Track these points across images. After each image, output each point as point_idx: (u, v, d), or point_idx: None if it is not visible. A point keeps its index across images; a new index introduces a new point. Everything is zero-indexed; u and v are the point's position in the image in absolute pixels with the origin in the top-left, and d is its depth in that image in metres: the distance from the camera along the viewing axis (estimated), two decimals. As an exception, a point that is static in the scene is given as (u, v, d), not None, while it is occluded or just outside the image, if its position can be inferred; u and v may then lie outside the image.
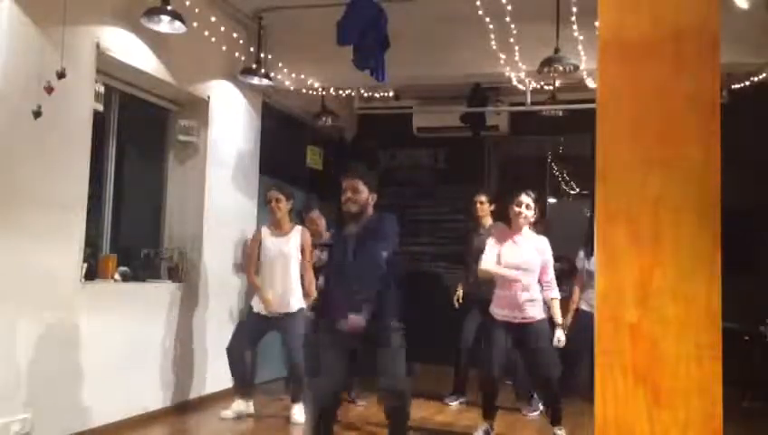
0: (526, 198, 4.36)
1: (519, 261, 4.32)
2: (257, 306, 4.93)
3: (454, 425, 4.87)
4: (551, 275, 4.41)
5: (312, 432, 3.64)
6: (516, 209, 4.36)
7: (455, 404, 5.52)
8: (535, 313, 4.32)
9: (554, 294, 4.40)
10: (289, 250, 4.92)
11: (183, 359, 5.08)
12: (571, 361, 5.51)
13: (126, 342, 4.48)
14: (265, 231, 5.04)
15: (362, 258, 3.52)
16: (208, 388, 5.33)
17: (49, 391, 3.83)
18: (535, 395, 5.25)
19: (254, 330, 4.95)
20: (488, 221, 5.46)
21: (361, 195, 3.60)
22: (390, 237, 3.60)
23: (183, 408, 5.00)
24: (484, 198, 5.52)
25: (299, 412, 4.86)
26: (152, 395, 4.77)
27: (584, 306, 5.51)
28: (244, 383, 4.96)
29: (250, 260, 5.05)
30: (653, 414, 1.46)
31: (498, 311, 4.38)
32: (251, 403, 4.98)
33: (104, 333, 4.26)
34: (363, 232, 3.59)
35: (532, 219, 4.42)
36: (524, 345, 4.38)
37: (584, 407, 5.44)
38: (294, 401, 4.92)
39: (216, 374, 5.41)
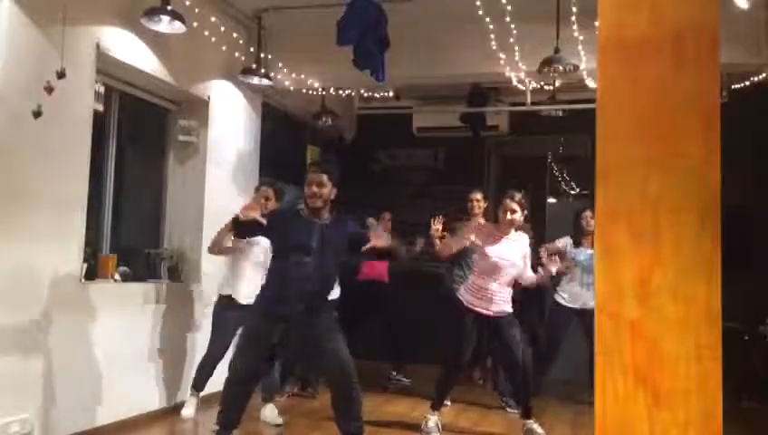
0: (512, 204, 4.40)
1: (507, 258, 4.40)
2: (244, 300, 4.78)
3: (454, 425, 4.86)
4: (529, 269, 4.56)
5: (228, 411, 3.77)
6: (502, 216, 4.44)
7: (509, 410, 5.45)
8: (507, 308, 4.45)
9: (531, 273, 4.59)
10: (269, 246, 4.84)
11: (183, 359, 5.07)
12: (542, 355, 5.56)
13: (126, 342, 4.48)
14: None
15: (323, 259, 3.65)
16: (208, 388, 5.32)
17: (49, 390, 3.83)
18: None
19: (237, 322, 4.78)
20: (481, 219, 5.47)
21: (325, 190, 3.67)
22: (346, 244, 3.76)
23: (183, 408, 4.99)
24: (479, 196, 5.54)
25: (273, 414, 4.79)
26: (152, 395, 4.77)
27: (560, 299, 5.56)
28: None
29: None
30: (653, 414, 1.46)
31: (471, 300, 4.44)
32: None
33: (104, 333, 4.25)
34: (327, 231, 3.67)
35: (521, 221, 4.48)
36: (495, 334, 4.47)
37: (584, 407, 5.48)
38: (266, 400, 4.84)
39: (215, 374, 5.40)
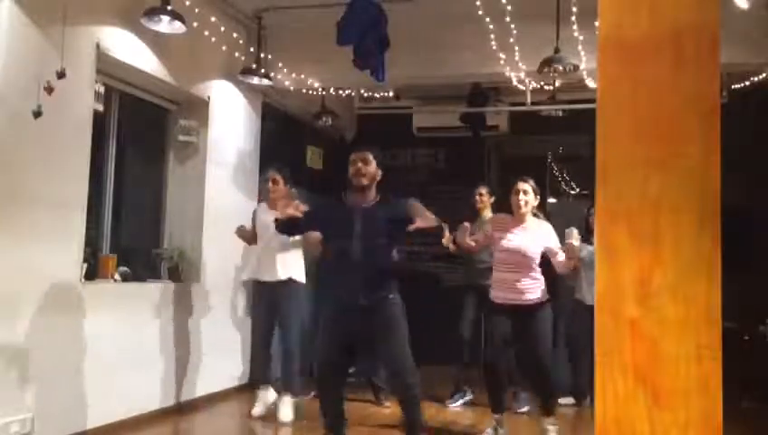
0: (524, 185, 4.29)
1: (517, 245, 4.25)
2: (249, 274, 4.92)
3: (456, 423, 4.86)
4: (560, 256, 4.26)
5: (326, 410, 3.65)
6: (515, 198, 4.30)
7: (458, 405, 5.46)
8: (534, 295, 4.26)
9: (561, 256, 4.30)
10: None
11: (183, 359, 5.08)
12: (571, 356, 5.55)
13: (126, 342, 4.48)
14: (262, 206, 5.02)
15: (370, 243, 3.49)
16: (208, 388, 5.33)
17: (49, 391, 3.83)
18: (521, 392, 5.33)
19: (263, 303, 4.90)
20: (488, 214, 5.48)
21: (371, 167, 3.58)
22: (399, 226, 3.51)
23: (183, 408, 5.00)
24: (484, 190, 5.56)
25: (286, 410, 4.77)
26: (152, 395, 4.77)
27: (579, 297, 5.53)
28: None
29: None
30: (653, 414, 1.46)
31: (497, 294, 4.33)
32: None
33: (104, 333, 4.25)
34: (370, 214, 3.53)
35: (535, 203, 4.33)
36: (523, 328, 4.29)
37: (584, 407, 5.48)
38: (283, 391, 4.80)
39: (215, 374, 5.42)
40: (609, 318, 1.50)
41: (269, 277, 4.79)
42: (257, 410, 4.84)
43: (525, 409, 5.32)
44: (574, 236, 4.11)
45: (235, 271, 5.70)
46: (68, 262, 3.98)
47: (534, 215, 4.38)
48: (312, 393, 5.50)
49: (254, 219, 5.04)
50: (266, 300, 4.84)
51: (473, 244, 4.31)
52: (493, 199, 5.57)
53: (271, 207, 4.87)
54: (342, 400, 3.70)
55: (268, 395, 4.88)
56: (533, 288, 4.27)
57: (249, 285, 5.26)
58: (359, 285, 3.49)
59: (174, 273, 5.10)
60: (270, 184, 4.93)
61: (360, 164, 3.56)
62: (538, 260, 4.29)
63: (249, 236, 4.95)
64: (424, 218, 3.47)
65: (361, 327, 3.53)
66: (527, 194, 4.29)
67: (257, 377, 4.94)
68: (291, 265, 4.83)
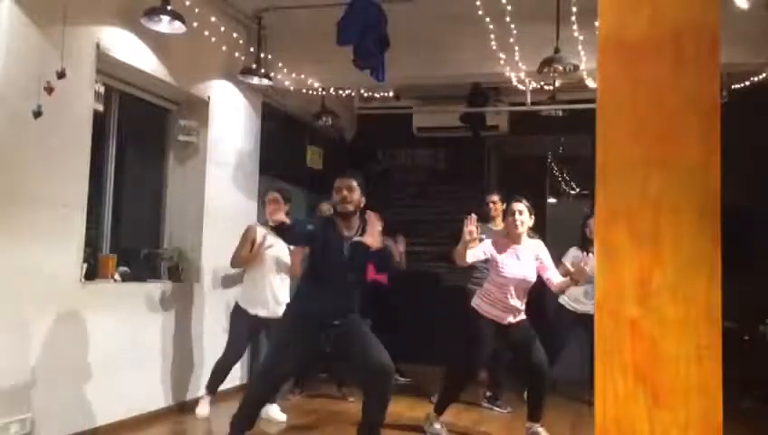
0: (519, 205, 4.34)
1: (521, 274, 4.31)
2: (252, 310, 4.89)
3: (454, 424, 4.86)
4: (554, 272, 4.36)
5: (251, 413, 3.78)
6: (511, 219, 4.35)
7: (496, 409, 5.47)
8: (523, 315, 4.42)
9: (559, 278, 4.37)
10: (281, 249, 4.92)
11: (183, 359, 5.08)
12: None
13: (126, 342, 4.48)
14: (261, 231, 4.95)
15: (356, 265, 3.70)
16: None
17: (49, 391, 3.83)
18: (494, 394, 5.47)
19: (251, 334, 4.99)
20: (500, 221, 5.43)
21: (355, 194, 3.68)
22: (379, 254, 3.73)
23: (183, 408, 5.00)
24: (496, 198, 5.54)
25: (275, 411, 4.82)
26: (152, 395, 4.77)
27: (563, 302, 5.56)
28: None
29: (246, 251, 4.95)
30: (653, 414, 1.46)
31: (490, 311, 4.39)
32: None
33: (104, 333, 4.26)
34: (356, 247, 3.65)
35: (530, 224, 4.39)
36: (517, 344, 4.41)
37: (584, 407, 5.49)
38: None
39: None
40: (609, 318, 1.50)
41: (264, 313, 4.84)
42: (201, 410, 4.87)
43: (508, 410, 5.40)
44: (589, 263, 3.98)
45: (235, 271, 5.70)
46: (68, 262, 3.98)
47: (530, 236, 4.46)
48: (299, 392, 5.57)
49: (253, 238, 4.95)
50: (253, 327, 4.90)
51: (472, 253, 4.23)
52: (505, 206, 5.55)
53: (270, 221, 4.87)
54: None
55: (207, 406, 4.90)
56: (520, 309, 4.41)
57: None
58: (335, 307, 3.70)
59: (174, 273, 5.10)
60: (270, 205, 4.77)
61: (345, 192, 3.67)
62: (529, 285, 4.39)
63: (254, 250, 4.90)
64: (371, 234, 3.61)
65: (326, 344, 3.70)
66: (522, 214, 4.34)
67: (212, 388, 4.94)
68: (283, 298, 4.88)
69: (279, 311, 4.67)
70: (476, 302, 4.48)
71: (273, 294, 4.87)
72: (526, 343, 4.35)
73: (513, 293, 4.33)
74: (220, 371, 4.88)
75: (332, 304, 3.69)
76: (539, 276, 4.36)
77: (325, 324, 3.68)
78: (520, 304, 4.38)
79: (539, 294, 4.74)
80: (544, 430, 4.45)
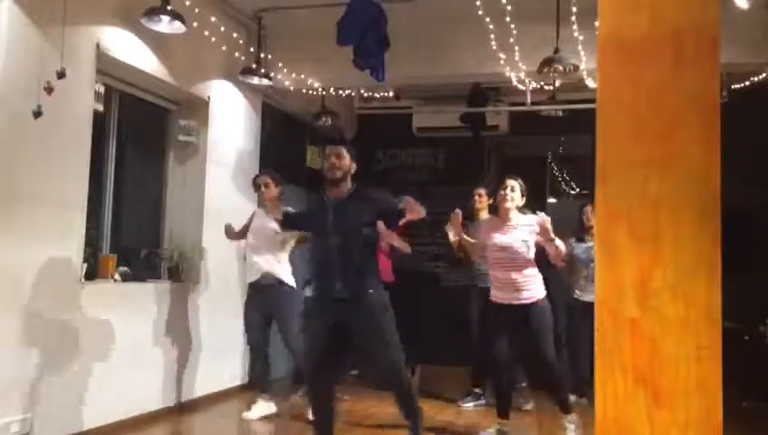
0: (511, 181, 4.35)
1: (506, 242, 4.28)
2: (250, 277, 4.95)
3: (455, 424, 4.86)
4: (551, 236, 4.25)
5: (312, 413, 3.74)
6: (502, 193, 4.35)
7: (470, 406, 5.44)
8: (532, 293, 4.29)
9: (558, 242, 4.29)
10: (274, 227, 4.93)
11: (183, 359, 5.08)
12: (571, 354, 5.56)
13: (126, 342, 4.48)
14: (259, 212, 5.02)
15: (343, 227, 3.54)
16: (208, 388, 5.33)
17: (49, 391, 3.83)
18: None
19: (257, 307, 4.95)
20: (485, 214, 5.49)
21: (344, 161, 3.65)
22: (375, 202, 3.63)
23: (183, 408, 5.00)
24: (482, 191, 5.58)
25: (255, 408, 4.84)
26: (152, 395, 4.77)
27: (576, 295, 5.54)
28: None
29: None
30: (653, 414, 1.46)
31: (496, 293, 4.38)
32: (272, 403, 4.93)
33: (104, 333, 4.25)
34: (342, 207, 3.59)
35: (521, 203, 4.37)
36: (523, 326, 4.30)
37: (584, 407, 5.48)
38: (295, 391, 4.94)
39: (215, 374, 5.41)
40: (609, 318, 1.50)
41: (263, 281, 4.86)
42: (251, 414, 4.84)
43: (530, 406, 5.35)
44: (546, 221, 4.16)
45: (235, 271, 5.71)
46: (68, 262, 3.98)
47: (522, 212, 4.41)
48: (300, 393, 5.58)
49: (249, 220, 5.07)
50: (258, 302, 4.90)
51: (470, 240, 4.37)
52: (491, 201, 5.57)
53: (268, 213, 4.88)
54: (332, 398, 3.72)
55: (267, 407, 4.89)
56: (529, 284, 4.29)
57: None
58: (335, 277, 3.54)
59: (174, 273, 5.10)
60: (262, 188, 4.92)
61: (333, 158, 3.63)
62: (531, 254, 4.31)
63: (234, 234, 4.98)
64: (413, 211, 3.46)
65: (340, 321, 3.53)
66: (514, 190, 4.34)
67: (257, 383, 4.97)
68: (281, 269, 4.88)
69: (277, 277, 4.82)
70: (491, 291, 4.45)
71: (271, 263, 4.89)
72: (537, 326, 4.26)
73: (514, 267, 4.26)
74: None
75: (330, 274, 3.54)
76: (542, 251, 4.31)
77: (327, 301, 3.59)
78: (529, 279, 4.28)
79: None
80: (575, 427, 4.34)
